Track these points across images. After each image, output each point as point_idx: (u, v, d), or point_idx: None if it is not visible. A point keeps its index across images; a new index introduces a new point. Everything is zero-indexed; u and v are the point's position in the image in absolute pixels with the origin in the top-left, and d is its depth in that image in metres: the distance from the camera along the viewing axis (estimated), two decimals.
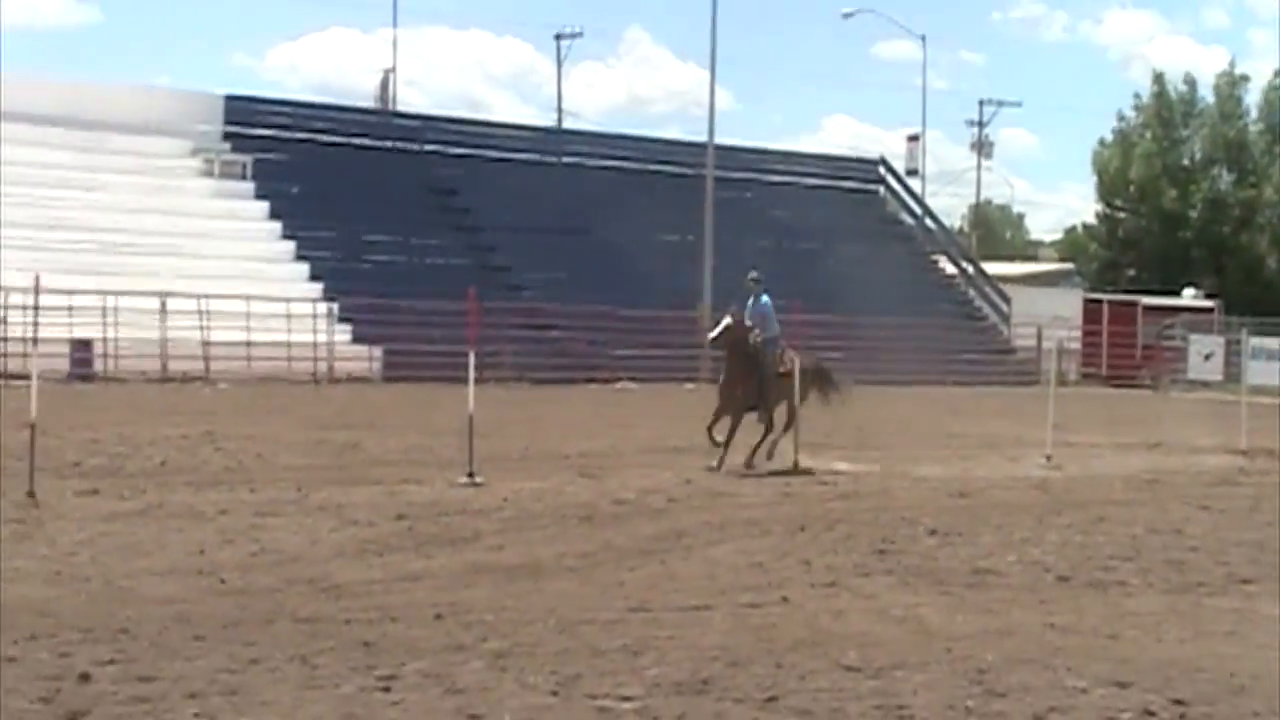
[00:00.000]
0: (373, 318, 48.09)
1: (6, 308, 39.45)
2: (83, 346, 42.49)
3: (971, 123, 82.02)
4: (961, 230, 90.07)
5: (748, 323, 23.04)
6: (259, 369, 44.35)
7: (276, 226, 54.08)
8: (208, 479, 19.19)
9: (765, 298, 23.26)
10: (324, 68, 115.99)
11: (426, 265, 55.12)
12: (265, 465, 20.34)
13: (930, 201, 75.67)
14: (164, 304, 44.41)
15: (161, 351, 44.23)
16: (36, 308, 18.61)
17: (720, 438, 22.17)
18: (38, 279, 18.74)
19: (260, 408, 33.00)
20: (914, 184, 74.50)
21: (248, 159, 56.89)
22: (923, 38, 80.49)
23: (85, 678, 8.94)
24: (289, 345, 45.58)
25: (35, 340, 18.71)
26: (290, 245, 53.40)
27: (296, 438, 25.27)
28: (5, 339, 39.77)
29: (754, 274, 23.81)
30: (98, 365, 43.04)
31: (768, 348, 23.07)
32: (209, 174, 56.32)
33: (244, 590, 11.84)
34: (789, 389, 23.05)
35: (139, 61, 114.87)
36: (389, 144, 61.51)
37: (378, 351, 48.05)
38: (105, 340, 43.31)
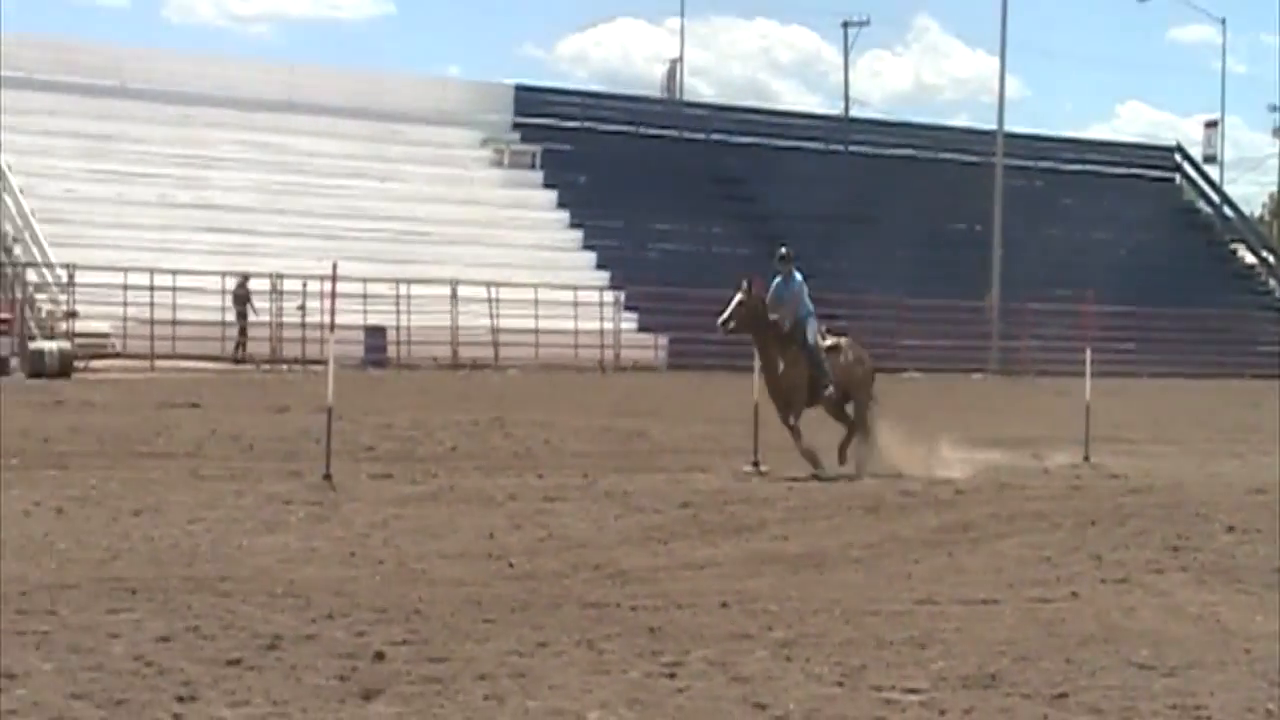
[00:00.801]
0: (658, 306, 48.38)
1: (305, 295, 40.55)
2: (376, 333, 43.48)
3: (1273, 108, 79.64)
4: (1261, 219, 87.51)
5: (772, 308, 20.10)
6: (546, 356, 44.89)
7: (564, 215, 54.73)
8: (497, 464, 19.47)
9: (798, 276, 20.40)
10: (612, 58, 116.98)
11: (712, 254, 55.33)
12: (553, 451, 20.59)
13: (1229, 189, 73.78)
14: (455, 292, 45.22)
15: (452, 338, 45.05)
16: (334, 295, 19.07)
17: (802, 441, 19.61)
18: (335, 267, 19.21)
19: (548, 394, 33.41)
20: (1212, 171, 72.62)
21: (537, 149, 57.63)
22: (1222, 21, 78.51)
23: (380, 657, 9.11)
24: (576, 333, 46.09)
25: (332, 327, 19.17)
26: (578, 234, 54.00)
27: (583, 425, 25.51)
28: (304, 325, 40.88)
29: (784, 249, 20.90)
30: (391, 351, 43.99)
31: (804, 325, 20.10)
32: (499, 164, 57.20)
33: (532, 574, 11.98)
34: (847, 369, 20.33)
35: (431, 53, 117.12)
36: (676, 133, 61.81)
37: (663, 340, 48.35)
38: (398, 327, 44.25)
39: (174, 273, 41.75)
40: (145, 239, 45.43)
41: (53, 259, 42.87)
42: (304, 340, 41.11)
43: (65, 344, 38.04)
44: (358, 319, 41.40)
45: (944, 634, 10.08)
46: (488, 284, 45.64)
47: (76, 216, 45.82)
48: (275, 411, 26.92)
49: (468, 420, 25.13)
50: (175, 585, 10.99)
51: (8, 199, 44.64)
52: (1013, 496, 17.61)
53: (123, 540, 12.98)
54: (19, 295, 41.54)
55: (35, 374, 35.54)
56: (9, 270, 42.69)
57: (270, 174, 51.03)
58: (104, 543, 12.81)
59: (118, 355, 40.84)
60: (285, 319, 42.65)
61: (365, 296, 41.50)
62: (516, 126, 58.40)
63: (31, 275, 42.99)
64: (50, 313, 41.96)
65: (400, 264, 46.04)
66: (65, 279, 41.51)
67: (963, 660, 9.34)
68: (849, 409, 20.39)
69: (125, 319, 41.39)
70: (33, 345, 37.65)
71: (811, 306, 20.44)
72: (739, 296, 19.84)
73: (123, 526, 13.75)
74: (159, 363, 40.25)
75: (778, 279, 20.33)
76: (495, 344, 45.18)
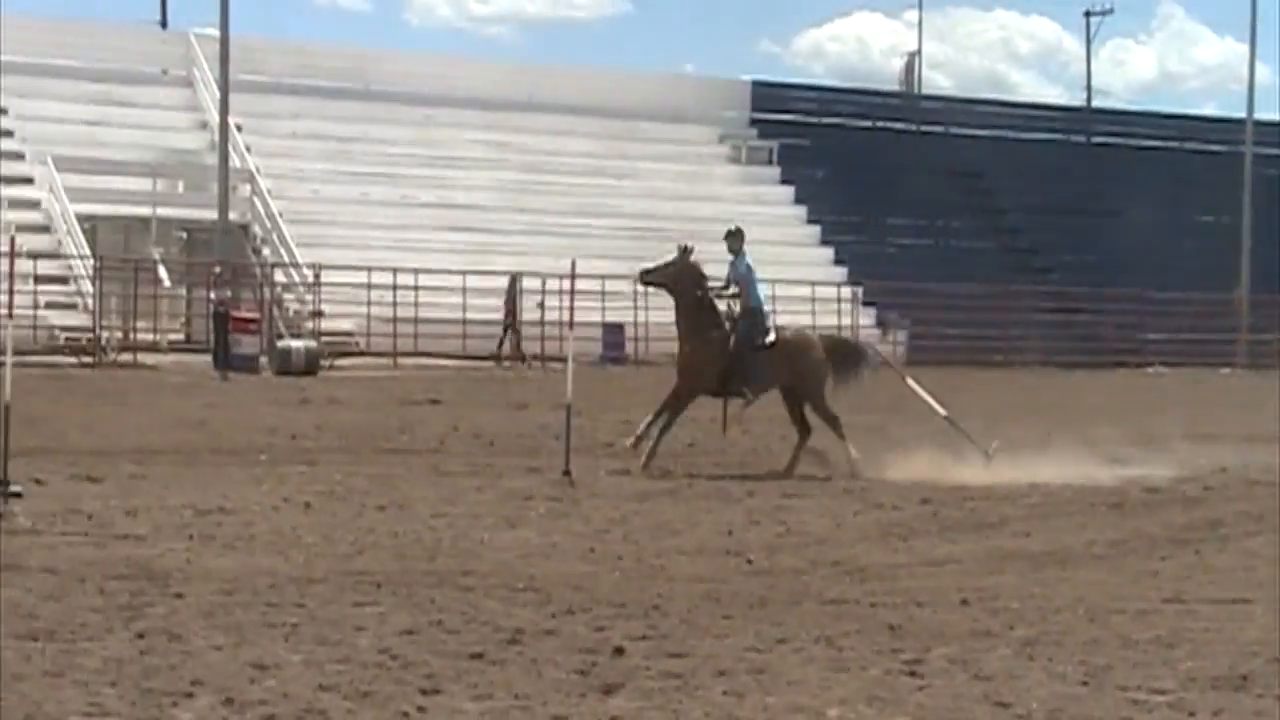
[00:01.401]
0: (897, 301, 48.03)
1: (544, 292, 40.96)
2: (615, 330, 43.73)
3: None
4: None
5: (730, 289, 19.06)
6: None
7: (801, 211, 54.58)
8: (734, 460, 19.46)
9: (748, 259, 19.32)
10: (848, 52, 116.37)
11: (950, 248, 54.79)
12: (790, 447, 20.50)
13: None
14: None
15: None
16: (573, 292, 19.21)
17: (650, 430, 18.53)
18: (574, 264, 19.34)
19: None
20: None
21: (774, 145, 57.55)
22: None
23: (619, 652, 9.15)
24: (814, 329, 45.84)
25: (571, 324, 19.31)
26: (815, 230, 53.82)
27: (820, 420, 25.35)
28: (543, 323, 41.31)
29: (734, 226, 19.88)
30: (629, 348, 44.21)
31: (750, 319, 18.96)
32: (736, 160, 57.23)
33: (770, 570, 11.95)
34: (784, 367, 18.95)
35: (668, 51, 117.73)
36: (913, 127, 61.30)
37: (901, 335, 47.98)
38: (635, 323, 44.46)
39: (416, 271, 42.44)
40: (388, 238, 46.23)
41: (299, 259, 43.82)
42: (543, 338, 41.54)
43: (311, 342, 38.85)
44: (596, 316, 41.69)
45: (1192, 633, 9.86)
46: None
47: (322, 217, 46.78)
48: (515, 408, 27.22)
49: (705, 417, 25.14)
50: (419, 579, 11.15)
51: (257, 202, 45.73)
52: (1264, 493, 17.16)
53: (368, 535, 13.21)
54: (268, 295, 42.53)
55: (283, 372, 36.35)
56: (258, 271, 43.74)
57: (510, 173, 51.63)
58: (350, 537, 13.04)
59: (362, 353, 41.63)
60: (525, 316, 43.13)
61: (603, 293, 41.77)
62: (754, 123, 58.38)
63: (279, 275, 44.00)
64: (297, 312, 42.92)
65: (638, 261, 46.04)
66: (311, 279, 42.41)
67: (1212, 661, 9.12)
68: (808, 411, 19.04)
69: (369, 317, 42.18)
70: (280, 344, 38.51)
71: (762, 299, 19.51)
72: (671, 258, 19.20)
73: (368, 521, 14.00)
74: (401, 360, 40.94)
75: (731, 261, 19.35)
76: None
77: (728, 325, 18.88)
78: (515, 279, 43.19)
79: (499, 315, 43.02)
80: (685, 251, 19.17)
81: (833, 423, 18.82)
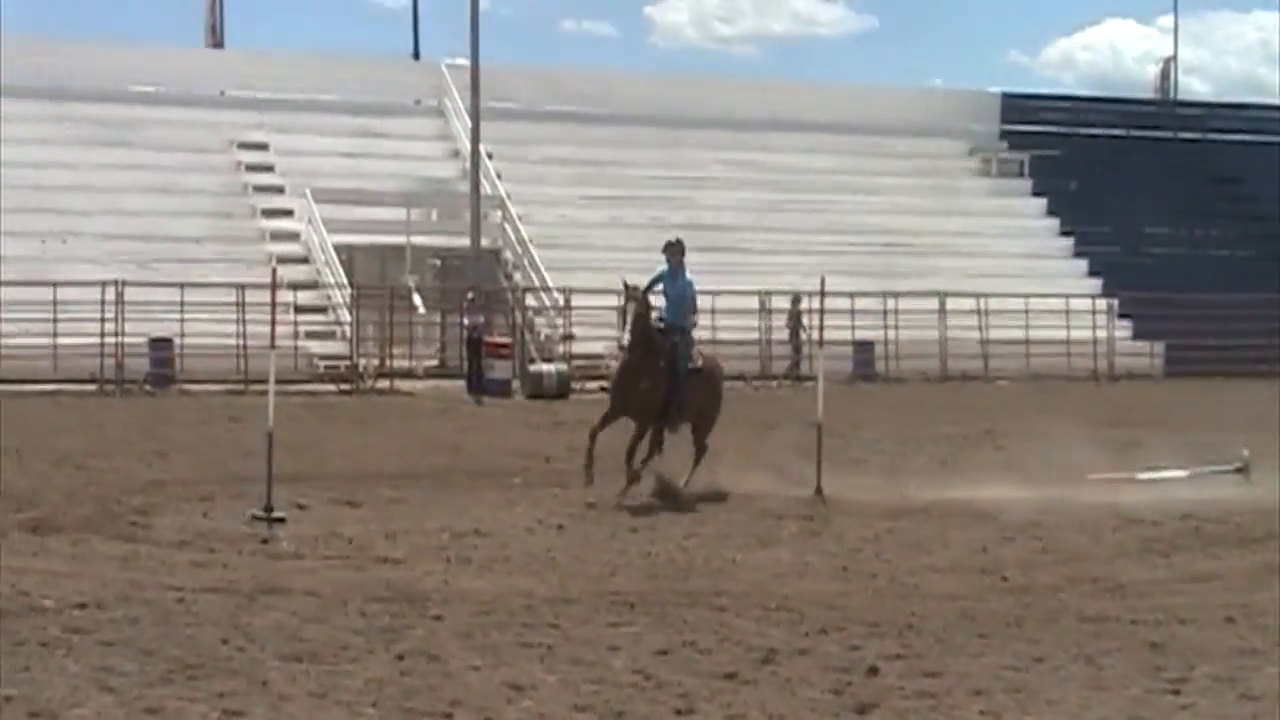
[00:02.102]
0: (1154, 312, 47.02)
1: (802, 312, 40.90)
2: (865, 347, 43.48)
3: None
4: None
5: (656, 302, 18.28)
6: (1037, 366, 44.14)
7: (1054, 223, 53.74)
8: (988, 477, 19.21)
9: (689, 275, 18.67)
10: (1100, 60, 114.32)
11: (1208, 257, 53.53)
12: (1043, 464, 20.19)
13: None
14: (943, 304, 44.90)
15: (940, 351, 44.74)
16: (822, 310, 19.16)
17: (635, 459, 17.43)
18: (823, 282, 19.28)
19: (1039, 406, 32.79)
20: None
21: (1024, 156, 56.76)
22: None
23: (874, 671, 9.10)
24: (1068, 342, 45.19)
25: (821, 342, 19.25)
26: (1068, 242, 52.96)
27: (1074, 435, 24.94)
28: (804, 341, 41.29)
29: (676, 237, 19.02)
30: (879, 365, 43.94)
31: (685, 341, 18.29)
32: (986, 173, 56.57)
33: (1026, 588, 11.78)
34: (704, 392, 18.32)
35: (914, 64, 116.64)
36: (1169, 134, 60.04)
37: (1159, 347, 46.98)
38: (885, 341, 44.17)
39: (664, 293, 42.57)
40: (636, 260, 46.37)
41: (550, 283, 44.26)
42: (795, 357, 41.45)
43: (563, 366, 39.18)
44: (845, 334, 41.53)
45: None
46: (976, 295, 45.17)
47: (571, 241, 47.20)
48: (765, 427, 27.19)
49: (957, 433, 24.91)
50: (672, 599, 11.20)
51: (508, 227, 46.28)
52: None
53: (621, 556, 13.30)
54: (519, 320, 43.05)
55: (535, 395, 36.70)
56: (509, 296, 44.29)
57: (757, 192, 51.61)
58: (603, 558, 13.14)
59: (609, 376, 41.86)
60: (774, 336, 43.07)
61: (853, 311, 41.56)
62: (1004, 135, 57.64)
63: (530, 300, 44.47)
64: (548, 336, 43.34)
65: (887, 277, 45.96)
66: (562, 302, 42.81)
67: None
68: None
69: (619, 340, 42.40)
70: (532, 368, 38.90)
71: (697, 320, 18.86)
72: (632, 307, 17.87)
73: (621, 542, 14.09)
74: None
75: (663, 269, 18.42)
76: (984, 356, 44.69)
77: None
78: (797, 298, 43.20)
79: (757, 335, 43.05)
80: (634, 294, 18.10)
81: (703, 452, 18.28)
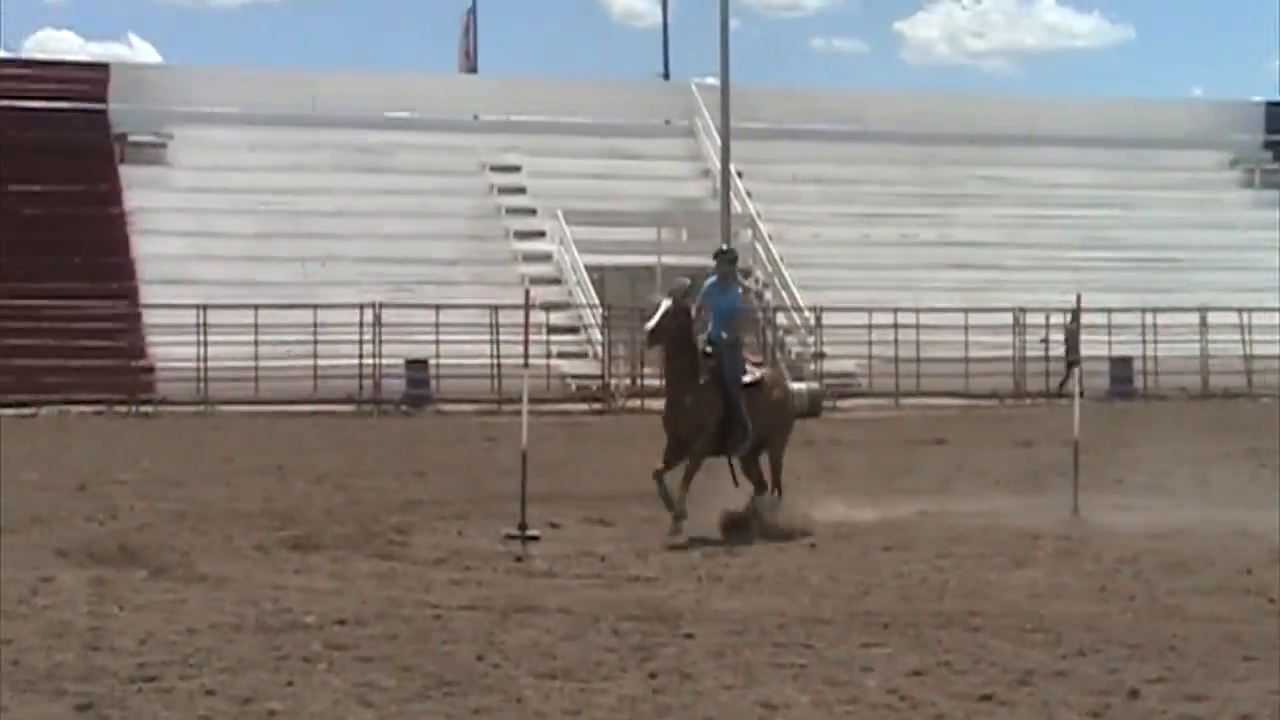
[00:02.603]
0: None
1: (1049, 328, 40.37)
2: (1123, 364, 42.68)
3: None
4: None
5: (701, 317, 16.34)
6: None
7: None
8: (1253, 497, 18.68)
9: (739, 289, 17.23)
10: None
11: None
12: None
13: None
14: (1204, 319, 43.91)
15: (1202, 367, 43.75)
16: (1078, 327, 18.84)
17: (675, 492, 15.91)
18: (1079, 298, 18.97)
19: None
20: None
21: None
22: None
23: (1134, 694, 8.90)
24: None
25: (1079, 359, 18.92)
26: None
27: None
28: (1048, 358, 40.68)
29: (724, 246, 17.50)
30: (1137, 382, 43.09)
31: (731, 355, 16.39)
32: (1249, 184, 55.21)
33: None
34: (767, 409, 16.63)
35: (1173, 75, 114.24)
36: None
37: None
38: (1144, 357, 43.30)
39: (917, 310, 42.31)
40: (889, 278, 46.18)
41: (800, 302, 44.20)
42: (1047, 374, 40.86)
43: (814, 384, 39.10)
44: (1103, 350, 40.77)
45: None
46: (1239, 310, 44.12)
47: (822, 260, 47.10)
48: (1020, 445, 26.82)
49: (1219, 452, 24.30)
50: (926, 620, 11.08)
51: (758, 246, 46.32)
52: None
53: (873, 575, 13.20)
54: (770, 338, 43.07)
55: None
56: (760, 315, 44.34)
57: (1012, 208, 51.02)
58: (856, 578, 13.05)
59: (864, 394, 41.68)
60: (1029, 353, 42.50)
61: (1110, 327, 40.88)
62: (1268, 145, 56.24)
63: (781, 318, 44.46)
64: (799, 354, 43.29)
65: (1147, 293, 45.11)
66: (813, 321, 42.73)
67: None
68: (762, 460, 16.84)
69: (870, 358, 42.22)
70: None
71: (753, 337, 16.70)
72: (666, 303, 16.19)
73: (873, 561, 13.99)
74: (904, 400, 40.83)
75: (711, 280, 16.68)
76: (1248, 371, 43.58)
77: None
78: (1076, 314, 42.58)
79: (1010, 353, 42.48)
80: (674, 297, 16.27)
81: (781, 483, 16.92)
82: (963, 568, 13.53)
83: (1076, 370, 41.37)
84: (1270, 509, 17.07)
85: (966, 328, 42.71)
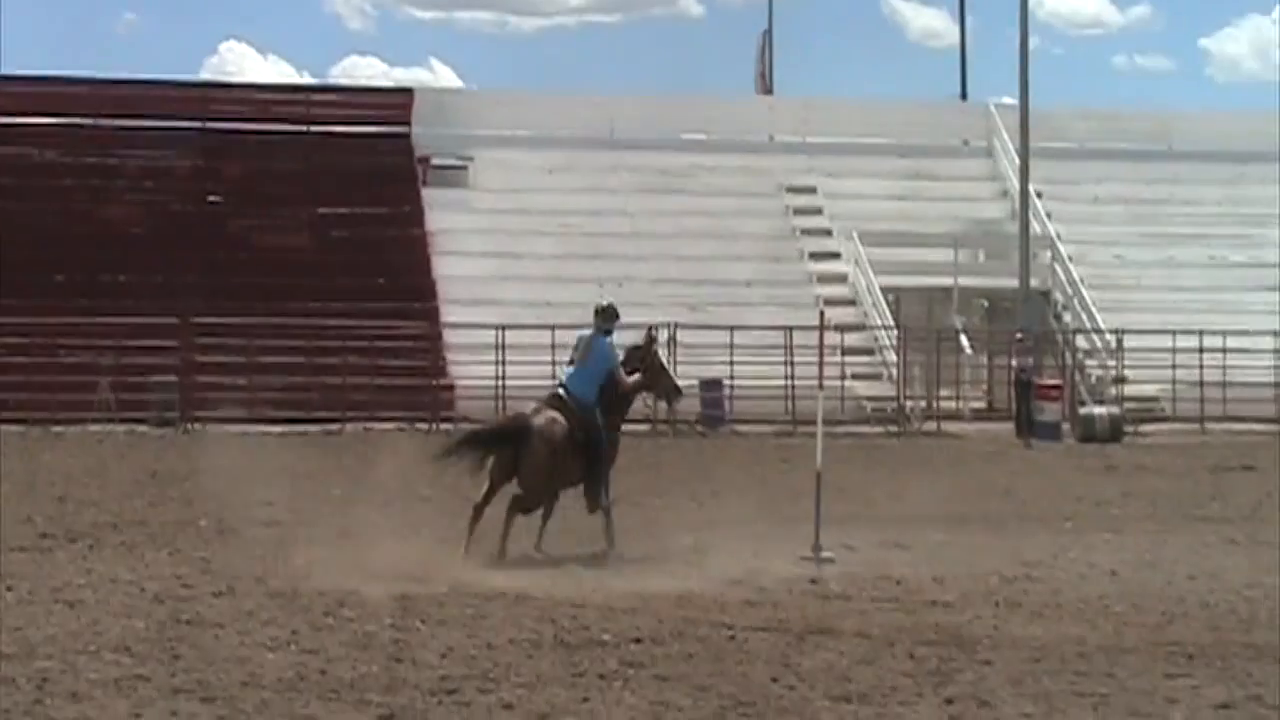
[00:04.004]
0: None
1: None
2: None
3: None
4: None
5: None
6: None
7: None
8: None
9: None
10: None
11: None
12: None
13: None
14: None
15: None
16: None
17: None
18: None
19: None
20: None
21: None
22: None
23: None
24: None
25: None
26: None
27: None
28: None
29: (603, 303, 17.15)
30: None
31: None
32: None
33: None
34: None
35: None
36: None
37: None
38: None
39: (1223, 333, 41.22)
40: (1194, 300, 45.08)
41: (1101, 324, 43.37)
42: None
43: (1115, 408, 38.33)
44: None
45: None
46: None
47: (1124, 281, 46.17)
48: None
49: None
50: (1234, 652, 10.77)
51: (1057, 268, 45.56)
52: None
53: (1178, 604, 12.88)
54: (1069, 361, 42.32)
55: (1086, 439, 35.99)
56: (1059, 337, 43.59)
57: None
58: (1160, 606, 12.75)
59: (1167, 418, 40.71)
60: None
61: None
62: None
63: (1081, 341, 43.66)
64: (1100, 378, 42.47)
65: None
66: (1114, 344, 41.88)
67: None
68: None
69: (1174, 382, 41.22)
70: (1082, 410, 38.18)
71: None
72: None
73: (1178, 590, 13.65)
74: (1209, 425, 39.79)
75: (590, 335, 16.90)
76: None
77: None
78: None
79: None
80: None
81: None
82: (1273, 598, 13.11)
83: None
84: None
85: (1276, 351, 41.49)
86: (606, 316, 16.91)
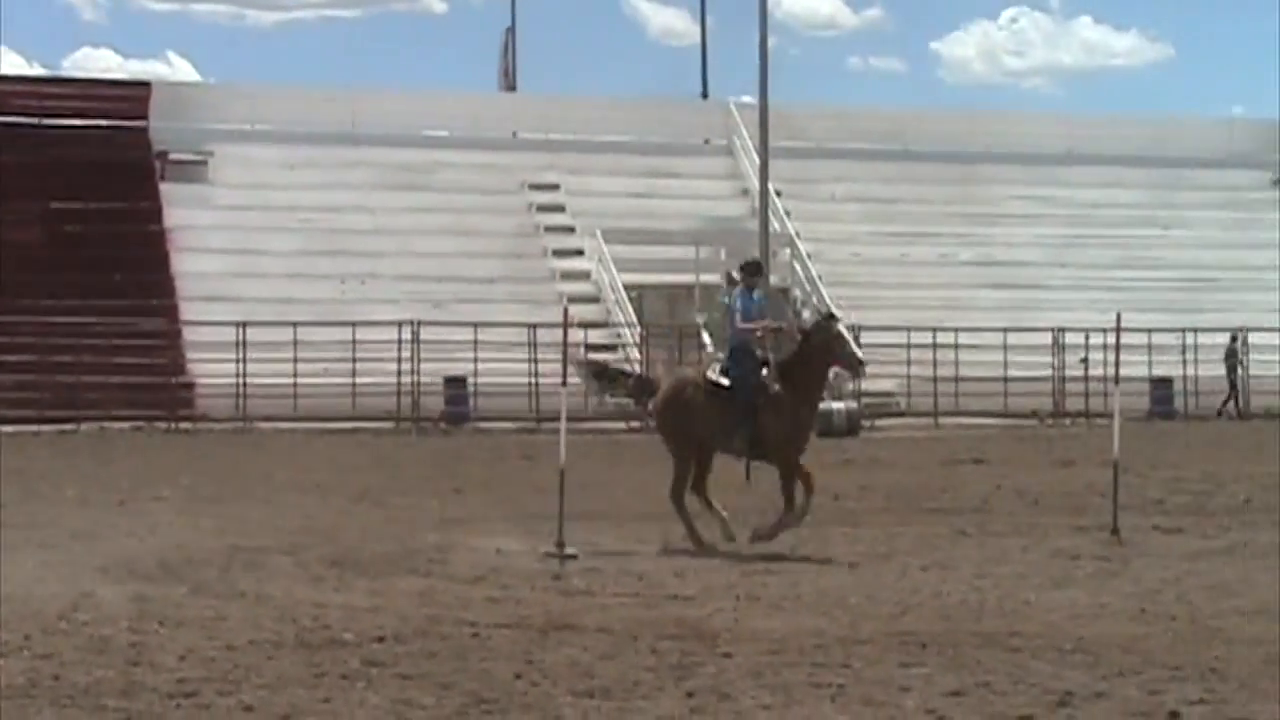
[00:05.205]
0: None
1: (1088, 347, 40.17)
2: (1163, 384, 42.53)
3: None
4: None
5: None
6: None
7: None
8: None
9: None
10: None
11: None
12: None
13: None
14: (1245, 339, 43.74)
15: (1243, 388, 43.58)
16: (1118, 347, 18.78)
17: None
18: (1119, 318, 18.89)
19: None
20: None
21: None
22: None
23: (1175, 716, 8.86)
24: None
25: (1117, 379, 18.85)
26: None
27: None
28: (1087, 378, 40.49)
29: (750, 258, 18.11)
30: (1177, 403, 42.94)
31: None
32: None
33: None
34: None
35: (1213, 93, 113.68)
36: None
37: None
38: (1184, 377, 43.16)
39: (956, 330, 42.24)
40: (928, 298, 46.15)
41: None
42: (1087, 394, 40.67)
43: (853, 403, 39.05)
44: (1142, 370, 40.64)
45: None
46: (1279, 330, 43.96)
47: (861, 279, 47.10)
48: (1060, 466, 26.73)
49: (1262, 472, 24.16)
50: (965, 640, 11.03)
51: (797, 266, 46.32)
52: None
53: (912, 595, 13.16)
54: None
55: (824, 433, 36.45)
56: (799, 333, 44.31)
57: (1052, 227, 50.95)
58: (894, 598, 13.01)
59: (902, 413, 41.62)
60: (1068, 372, 42.35)
61: (1150, 347, 40.72)
62: None
63: None
64: (837, 373, 43.20)
65: (1186, 313, 44.96)
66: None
67: None
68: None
69: (909, 377, 42.15)
70: (822, 406, 38.85)
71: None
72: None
73: (912, 582, 13.94)
74: (942, 419, 40.75)
75: (739, 291, 17.66)
76: None
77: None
78: (1236, 335, 42.88)
79: (1050, 373, 42.39)
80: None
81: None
82: (1001, 588, 13.47)
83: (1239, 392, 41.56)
84: None
85: (1005, 347, 42.64)
86: (751, 271, 17.39)
